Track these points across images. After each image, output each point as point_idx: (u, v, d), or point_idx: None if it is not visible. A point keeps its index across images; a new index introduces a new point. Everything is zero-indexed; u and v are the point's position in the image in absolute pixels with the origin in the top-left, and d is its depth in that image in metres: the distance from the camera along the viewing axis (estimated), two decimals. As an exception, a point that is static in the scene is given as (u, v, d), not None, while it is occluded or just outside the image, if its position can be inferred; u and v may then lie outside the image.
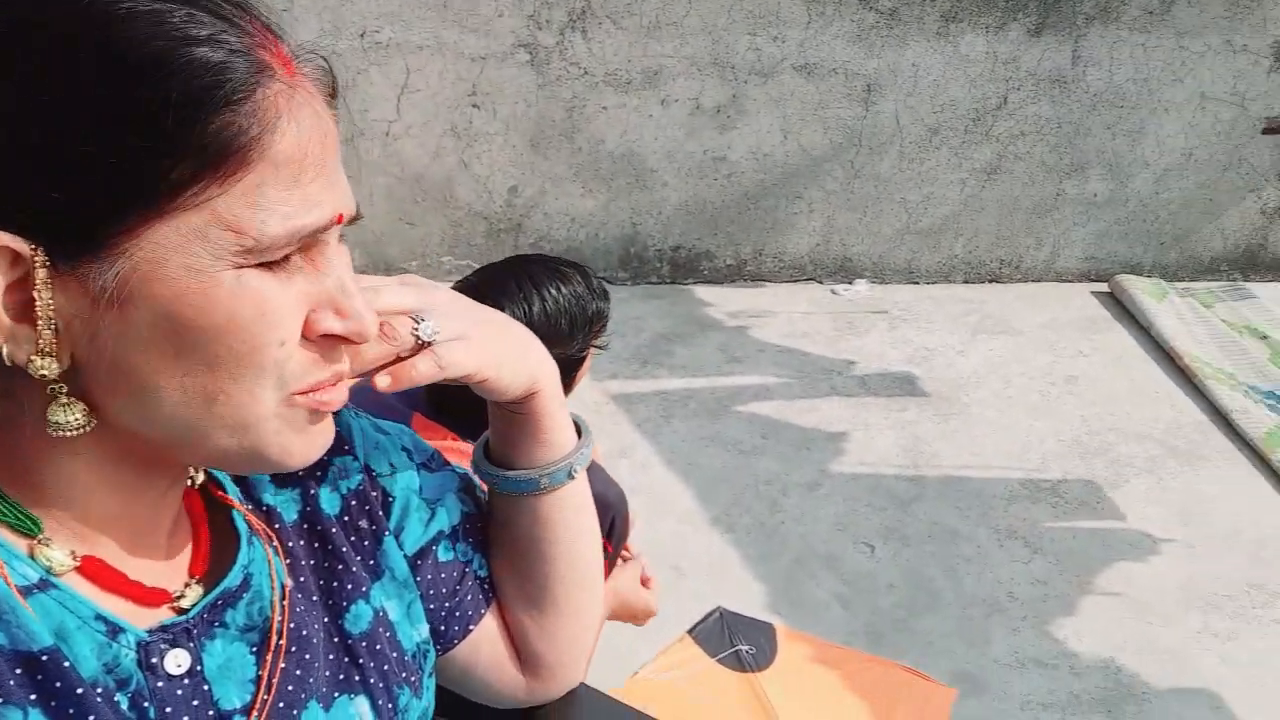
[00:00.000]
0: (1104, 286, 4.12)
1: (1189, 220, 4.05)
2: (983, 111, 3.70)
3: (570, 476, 0.85)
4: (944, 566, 2.63)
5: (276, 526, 0.75)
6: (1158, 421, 3.30)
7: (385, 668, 0.76)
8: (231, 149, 0.52)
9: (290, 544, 0.75)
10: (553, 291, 1.38)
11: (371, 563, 0.79)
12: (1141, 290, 3.97)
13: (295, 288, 0.57)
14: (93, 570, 0.61)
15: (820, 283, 4.01)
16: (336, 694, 0.73)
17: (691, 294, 3.87)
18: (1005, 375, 3.49)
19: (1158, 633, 2.47)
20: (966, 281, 4.09)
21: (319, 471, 0.78)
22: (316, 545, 0.76)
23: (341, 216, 0.59)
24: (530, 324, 1.38)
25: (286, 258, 0.56)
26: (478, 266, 1.50)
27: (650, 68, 3.49)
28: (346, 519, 0.78)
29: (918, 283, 4.06)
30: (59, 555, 0.60)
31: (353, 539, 0.78)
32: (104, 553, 0.62)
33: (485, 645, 0.87)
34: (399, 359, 0.71)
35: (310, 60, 0.60)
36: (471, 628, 0.86)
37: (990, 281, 4.10)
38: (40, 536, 0.59)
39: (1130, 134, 3.81)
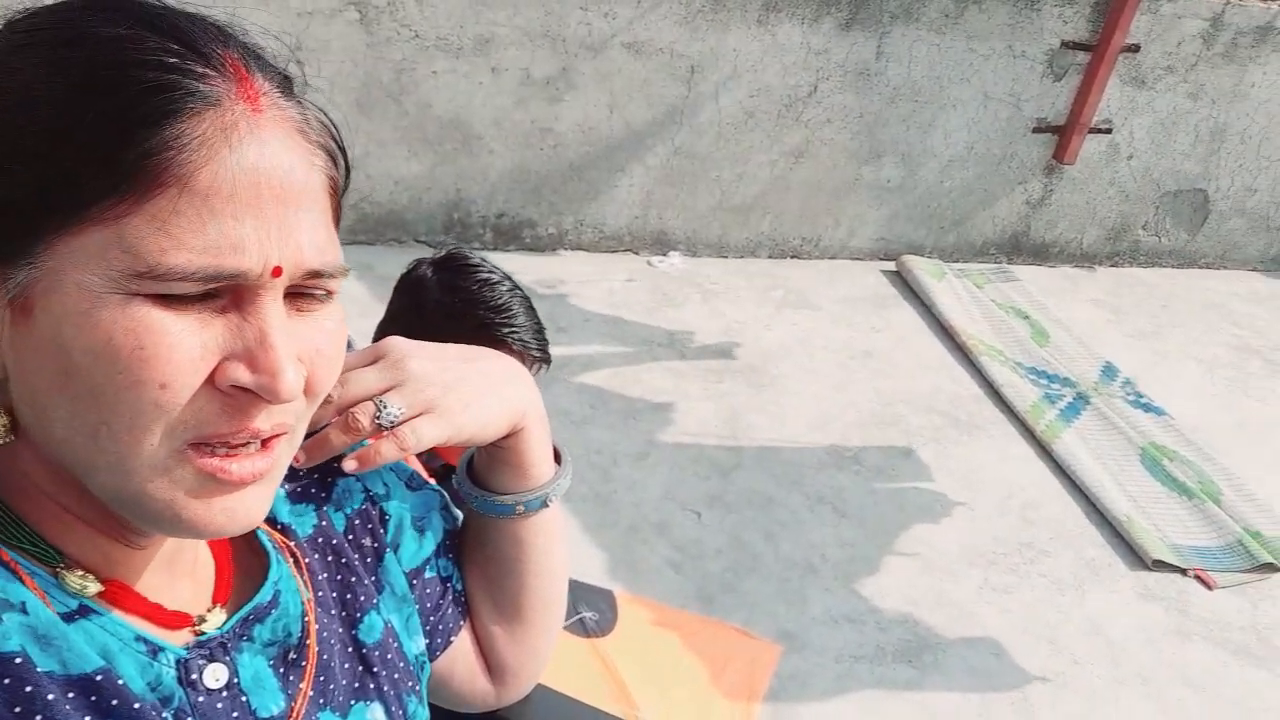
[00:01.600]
0: (891, 265, 4.46)
1: (966, 207, 4.45)
2: (795, 98, 3.91)
3: (545, 505, 0.88)
4: (764, 532, 2.84)
5: (293, 542, 0.78)
6: (940, 394, 3.64)
7: (396, 676, 0.80)
8: (148, 170, 0.50)
9: (307, 559, 0.78)
10: (524, 310, 1.51)
11: (374, 578, 0.82)
12: (923, 270, 4.34)
13: (208, 333, 0.53)
14: (117, 595, 0.63)
15: (636, 254, 4.13)
16: (353, 701, 0.76)
17: (514, 261, 3.91)
18: (809, 349, 3.74)
19: (947, 588, 2.78)
20: (771, 257, 4.33)
21: (325, 493, 0.82)
22: (330, 559, 0.79)
23: (278, 270, 0.53)
24: (490, 294, 1.48)
25: (202, 299, 0.52)
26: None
27: (482, 35, 3.47)
28: (351, 537, 0.82)
29: (726, 257, 4.26)
30: (85, 580, 0.60)
31: (357, 555, 0.82)
32: (125, 578, 0.64)
33: (461, 656, 0.92)
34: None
35: (295, 108, 0.58)
36: (453, 639, 0.90)
37: (792, 258, 4.36)
38: (61, 565, 0.60)
39: (922, 126, 4.13)
